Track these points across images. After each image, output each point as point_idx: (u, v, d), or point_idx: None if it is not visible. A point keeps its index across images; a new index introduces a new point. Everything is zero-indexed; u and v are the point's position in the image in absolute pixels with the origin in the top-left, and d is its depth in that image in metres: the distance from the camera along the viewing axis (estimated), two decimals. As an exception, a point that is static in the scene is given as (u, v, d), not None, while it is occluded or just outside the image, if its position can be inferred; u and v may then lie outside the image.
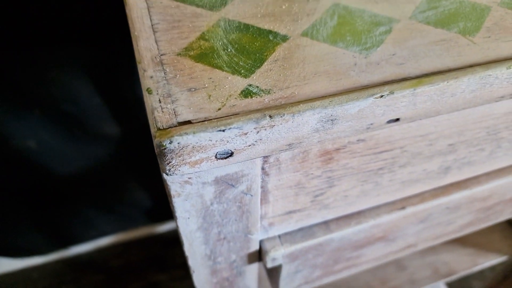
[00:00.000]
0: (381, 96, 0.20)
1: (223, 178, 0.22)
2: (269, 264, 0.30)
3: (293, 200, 0.27)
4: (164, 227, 1.03)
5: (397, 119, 0.22)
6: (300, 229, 0.31)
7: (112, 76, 0.64)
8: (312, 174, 0.26)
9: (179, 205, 0.22)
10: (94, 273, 0.97)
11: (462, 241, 0.80)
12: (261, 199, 0.26)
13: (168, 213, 0.98)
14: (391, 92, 0.20)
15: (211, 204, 0.23)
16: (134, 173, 0.85)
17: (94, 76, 0.63)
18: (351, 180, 0.28)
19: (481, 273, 1.16)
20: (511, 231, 0.81)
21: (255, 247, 0.29)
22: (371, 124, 0.21)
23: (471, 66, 0.22)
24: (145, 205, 0.94)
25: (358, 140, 0.25)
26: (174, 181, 0.21)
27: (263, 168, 0.24)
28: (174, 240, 1.02)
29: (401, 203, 0.33)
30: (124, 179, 0.86)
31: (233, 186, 0.23)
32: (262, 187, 0.25)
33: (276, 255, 0.30)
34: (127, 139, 0.76)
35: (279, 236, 0.30)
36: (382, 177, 0.29)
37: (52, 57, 0.58)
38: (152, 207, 0.96)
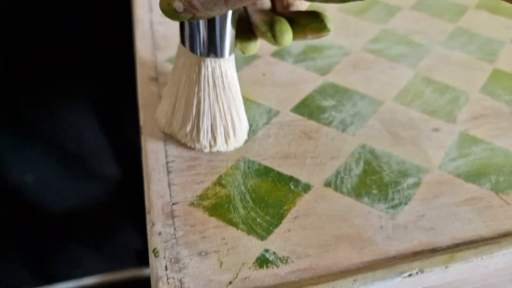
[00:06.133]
0: (410, 275, 0.18)
1: None
2: None
3: None
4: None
5: (423, 288, 0.20)
6: None
7: (117, 118, 0.65)
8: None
9: None
10: (76, 315, 0.93)
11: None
12: None
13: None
14: (421, 271, 0.18)
15: None
16: (128, 215, 0.84)
17: (100, 117, 0.63)
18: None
19: None
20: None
21: None
22: (395, 295, 0.19)
23: (505, 235, 0.21)
24: (135, 247, 0.92)
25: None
26: None
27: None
28: None
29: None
30: (117, 220, 0.84)
31: None
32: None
33: None
34: (125, 182, 0.76)
35: None
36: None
37: (61, 94, 0.58)
38: (142, 250, 0.93)
